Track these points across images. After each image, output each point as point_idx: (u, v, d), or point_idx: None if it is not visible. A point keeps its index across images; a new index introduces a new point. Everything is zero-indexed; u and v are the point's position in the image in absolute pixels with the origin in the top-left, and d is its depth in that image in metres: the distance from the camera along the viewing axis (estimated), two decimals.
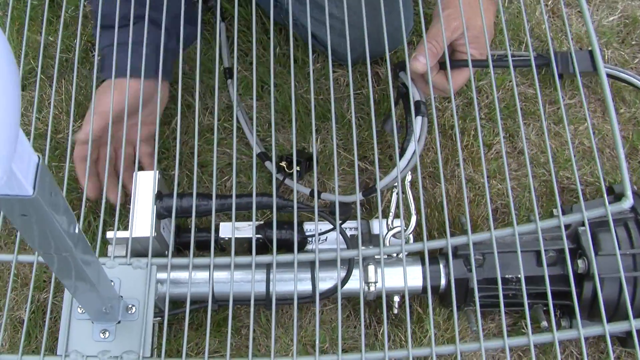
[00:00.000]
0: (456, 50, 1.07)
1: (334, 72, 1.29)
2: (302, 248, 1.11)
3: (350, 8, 1.08)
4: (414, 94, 1.06)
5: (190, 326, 1.11)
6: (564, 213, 0.87)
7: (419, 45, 1.05)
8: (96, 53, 1.03)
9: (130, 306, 0.91)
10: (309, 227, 1.11)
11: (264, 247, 1.09)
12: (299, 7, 1.20)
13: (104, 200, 0.90)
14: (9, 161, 0.45)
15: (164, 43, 0.96)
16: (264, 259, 0.87)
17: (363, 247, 1.06)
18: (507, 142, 1.27)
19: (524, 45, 1.35)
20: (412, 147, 1.02)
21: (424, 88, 1.09)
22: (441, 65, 1.07)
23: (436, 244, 0.88)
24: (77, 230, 0.63)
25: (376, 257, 1.03)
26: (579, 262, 0.99)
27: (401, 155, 1.03)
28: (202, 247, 1.13)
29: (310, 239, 1.10)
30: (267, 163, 1.19)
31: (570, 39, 0.94)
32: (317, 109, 1.25)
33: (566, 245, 0.83)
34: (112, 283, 0.92)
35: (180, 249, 1.13)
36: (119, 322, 0.90)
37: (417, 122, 1.03)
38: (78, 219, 0.93)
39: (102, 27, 1.06)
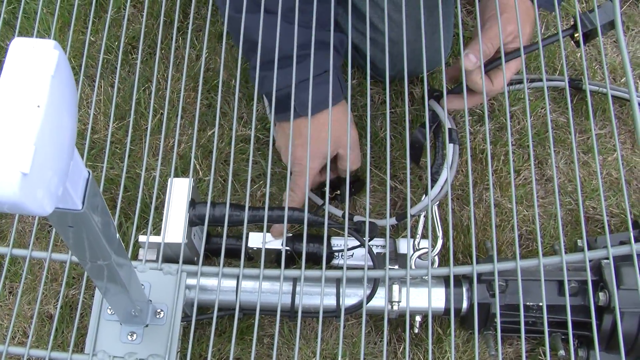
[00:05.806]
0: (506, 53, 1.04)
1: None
2: (328, 262, 1.12)
3: (396, 25, 1.08)
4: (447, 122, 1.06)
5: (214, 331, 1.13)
6: (588, 244, 0.88)
7: (471, 43, 1.03)
8: (256, 85, 0.96)
9: (158, 311, 0.93)
10: (336, 242, 1.12)
11: (291, 259, 1.11)
12: (345, 17, 1.21)
13: (138, 204, 0.92)
14: (64, 179, 0.47)
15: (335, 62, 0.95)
16: (293, 273, 0.89)
17: (390, 267, 1.08)
18: (536, 169, 1.28)
19: (557, 72, 1.36)
20: (444, 176, 1.03)
21: (459, 103, 1.08)
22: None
23: (462, 269, 0.89)
24: (117, 241, 0.66)
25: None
26: (601, 294, 1.00)
27: (432, 180, 1.04)
28: (231, 255, 1.15)
29: (336, 254, 1.12)
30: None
31: (605, 68, 0.95)
32: None
33: (589, 278, 0.85)
34: (143, 287, 0.95)
35: (209, 255, 1.15)
36: (147, 325, 0.93)
37: (449, 150, 1.04)
38: None
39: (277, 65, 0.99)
